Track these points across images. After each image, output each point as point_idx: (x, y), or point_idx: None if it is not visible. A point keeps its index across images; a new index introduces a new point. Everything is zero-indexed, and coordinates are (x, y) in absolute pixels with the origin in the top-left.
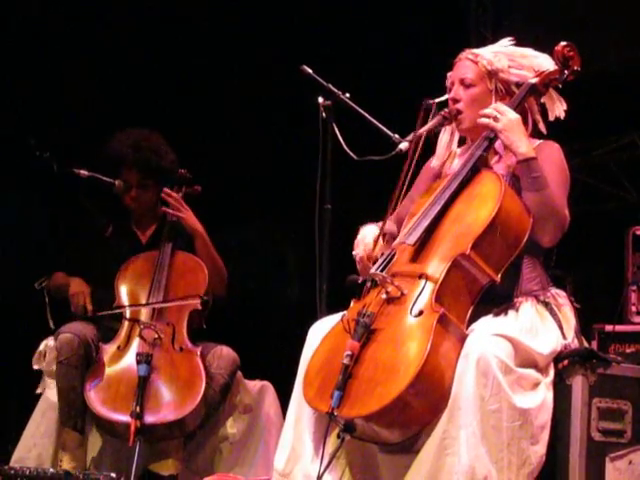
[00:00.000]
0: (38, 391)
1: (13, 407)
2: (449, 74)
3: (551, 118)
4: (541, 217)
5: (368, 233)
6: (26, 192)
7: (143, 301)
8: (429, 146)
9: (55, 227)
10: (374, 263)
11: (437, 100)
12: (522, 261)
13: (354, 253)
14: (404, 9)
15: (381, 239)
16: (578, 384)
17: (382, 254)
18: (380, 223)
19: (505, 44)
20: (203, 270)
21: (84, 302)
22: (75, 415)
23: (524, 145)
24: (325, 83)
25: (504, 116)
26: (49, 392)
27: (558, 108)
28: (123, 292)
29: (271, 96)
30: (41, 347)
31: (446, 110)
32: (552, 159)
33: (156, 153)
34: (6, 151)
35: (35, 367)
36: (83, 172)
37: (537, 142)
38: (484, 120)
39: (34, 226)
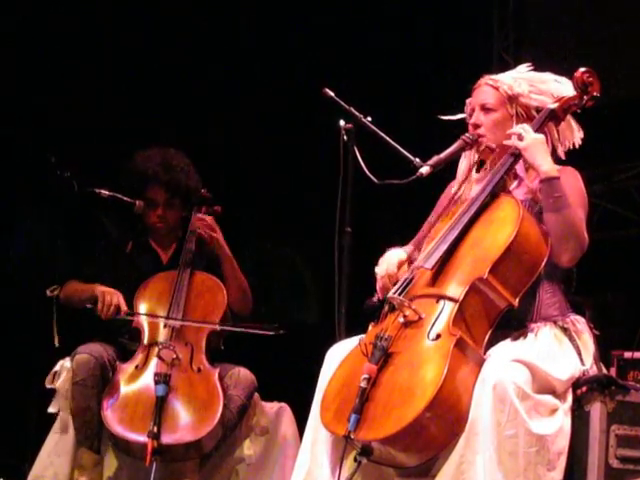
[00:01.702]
0: (50, 410)
1: (30, 426)
2: (468, 100)
3: (566, 147)
4: (561, 237)
5: (393, 254)
6: (47, 210)
7: (161, 321)
8: (450, 170)
9: (75, 245)
10: (394, 285)
11: (450, 117)
12: (541, 286)
13: (376, 270)
14: (427, 33)
15: (405, 266)
16: (596, 411)
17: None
18: (406, 247)
19: (524, 70)
20: (222, 290)
21: (117, 301)
22: (91, 435)
23: (547, 164)
24: (347, 106)
25: (528, 134)
26: (65, 412)
27: (574, 136)
28: (142, 310)
29: (292, 118)
30: (57, 367)
31: (467, 135)
32: (571, 183)
33: (185, 173)
34: (28, 169)
35: (48, 386)
36: (104, 192)
37: (556, 167)
38: (508, 141)
39: (54, 245)
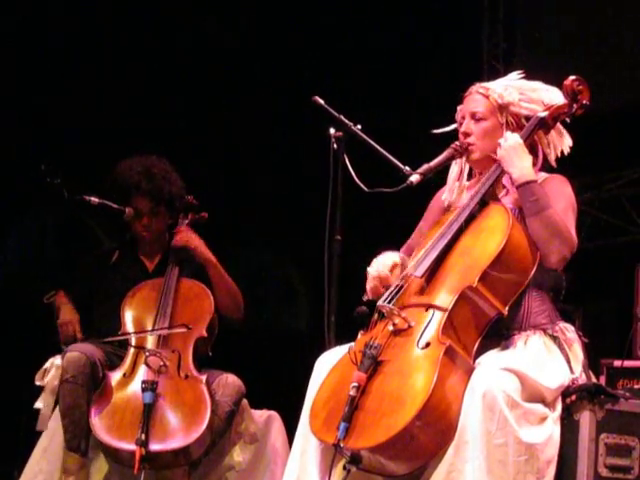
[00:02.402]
0: (36, 406)
1: (19, 432)
2: (459, 107)
3: (555, 155)
4: (545, 239)
5: (387, 256)
6: (38, 216)
7: (149, 328)
8: (439, 178)
9: (65, 251)
10: (385, 288)
11: (444, 130)
12: (530, 294)
13: (368, 270)
14: (418, 41)
15: (398, 270)
16: (586, 419)
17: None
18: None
19: (515, 77)
20: (209, 296)
21: (73, 331)
22: (79, 435)
23: (517, 170)
24: (337, 114)
25: (504, 143)
26: (55, 420)
27: (564, 144)
28: (128, 319)
29: (282, 126)
30: (47, 364)
31: (457, 143)
32: (557, 189)
33: (167, 180)
34: (18, 176)
35: (37, 382)
36: (94, 199)
37: (545, 176)
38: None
39: (45, 250)
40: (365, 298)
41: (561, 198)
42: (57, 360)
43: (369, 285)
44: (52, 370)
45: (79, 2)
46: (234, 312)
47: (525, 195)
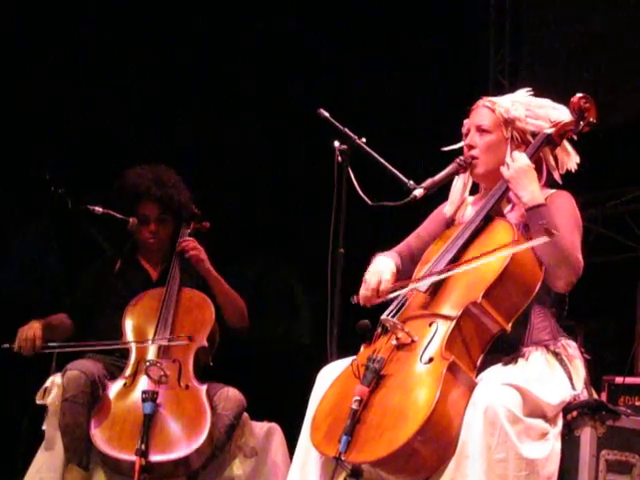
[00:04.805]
0: (44, 427)
1: (19, 442)
2: (465, 121)
3: (562, 171)
4: (553, 264)
5: (386, 267)
6: (40, 224)
7: (150, 337)
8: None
9: (68, 261)
10: (377, 297)
11: (452, 147)
12: (533, 310)
13: (366, 277)
14: (422, 56)
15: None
16: (587, 436)
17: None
18: (391, 253)
19: (523, 94)
20: (210, 307)
21: (32, 335)
22: (80, 452)
23: (528, 193)
24: (342, 127)
25: (514, 163)
26: (54, 428)
27: (570, 161)
28: (129, 328)
29: (287, 138)
30: (47, 383)
31: (461, 158)
32: (563, 207)
33: (177, 189)
34: (22, 185)
35: (38, 401)
36: (98, 209)
37: (550, 192)
38: (502, 168)
39: (48, 260)
40: (354, 301)
41: (566, 215)
42: (57, 379)
43: (364, 293)
44: (54, 389)
45: (79, 2)
46: (240, 321)
47: (534, 218)
